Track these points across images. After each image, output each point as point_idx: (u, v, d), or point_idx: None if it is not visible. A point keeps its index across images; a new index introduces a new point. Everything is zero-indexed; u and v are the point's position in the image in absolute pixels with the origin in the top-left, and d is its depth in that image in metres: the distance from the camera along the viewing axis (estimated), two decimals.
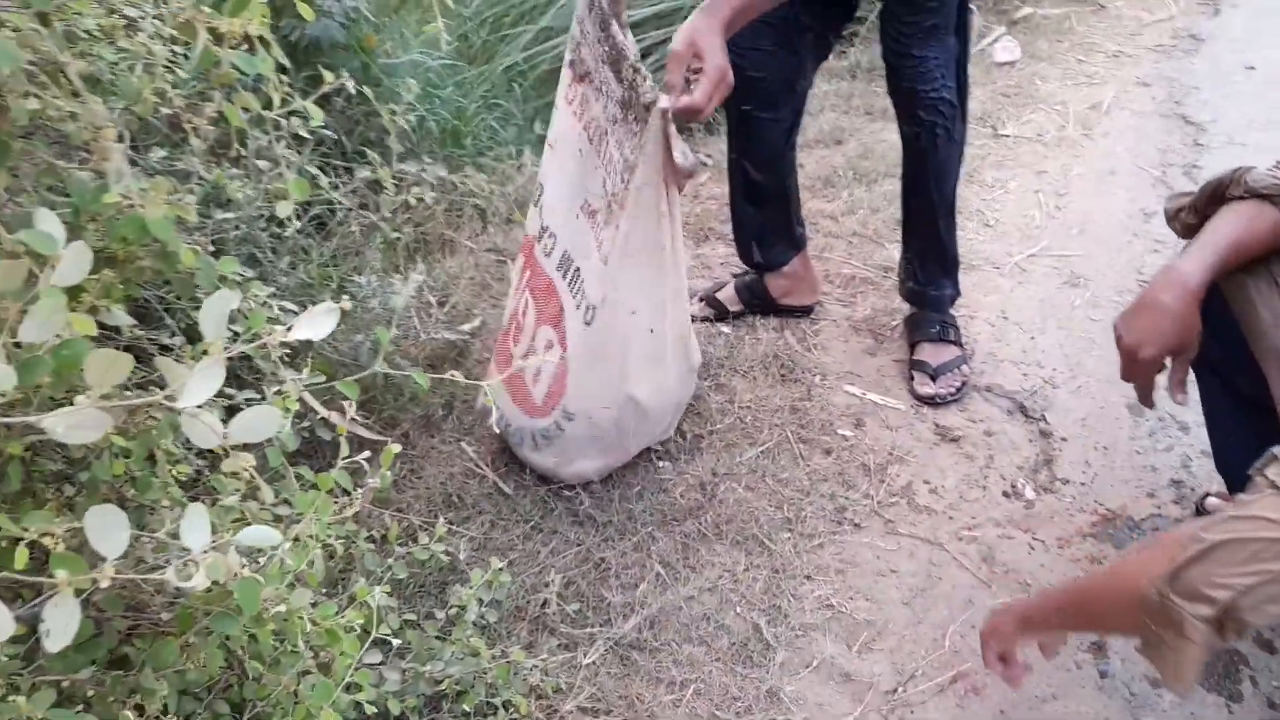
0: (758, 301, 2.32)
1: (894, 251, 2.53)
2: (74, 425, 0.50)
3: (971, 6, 2.02)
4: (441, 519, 1.67)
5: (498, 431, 1.78)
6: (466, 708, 1.37)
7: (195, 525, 0.54)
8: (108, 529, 0.50)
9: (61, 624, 0.49)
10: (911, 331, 2.22)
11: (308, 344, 2.16)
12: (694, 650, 1.61)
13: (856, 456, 1.99)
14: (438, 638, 1.39)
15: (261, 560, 0.79)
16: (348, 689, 1.24)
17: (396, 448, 1.14)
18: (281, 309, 0.96)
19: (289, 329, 0.53)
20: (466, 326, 2.34)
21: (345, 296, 2.30)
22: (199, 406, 0.51)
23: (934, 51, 1.89)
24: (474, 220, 2.82)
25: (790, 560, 1.77)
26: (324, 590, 1.45)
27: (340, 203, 2.22)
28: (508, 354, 1.90)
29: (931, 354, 2.15)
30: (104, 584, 0.50)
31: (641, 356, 1.75)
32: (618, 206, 1.61)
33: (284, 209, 0.98)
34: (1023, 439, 2.03)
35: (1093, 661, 1.59)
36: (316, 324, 0.55)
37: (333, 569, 1.53)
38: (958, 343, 2.18)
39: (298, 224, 2.37)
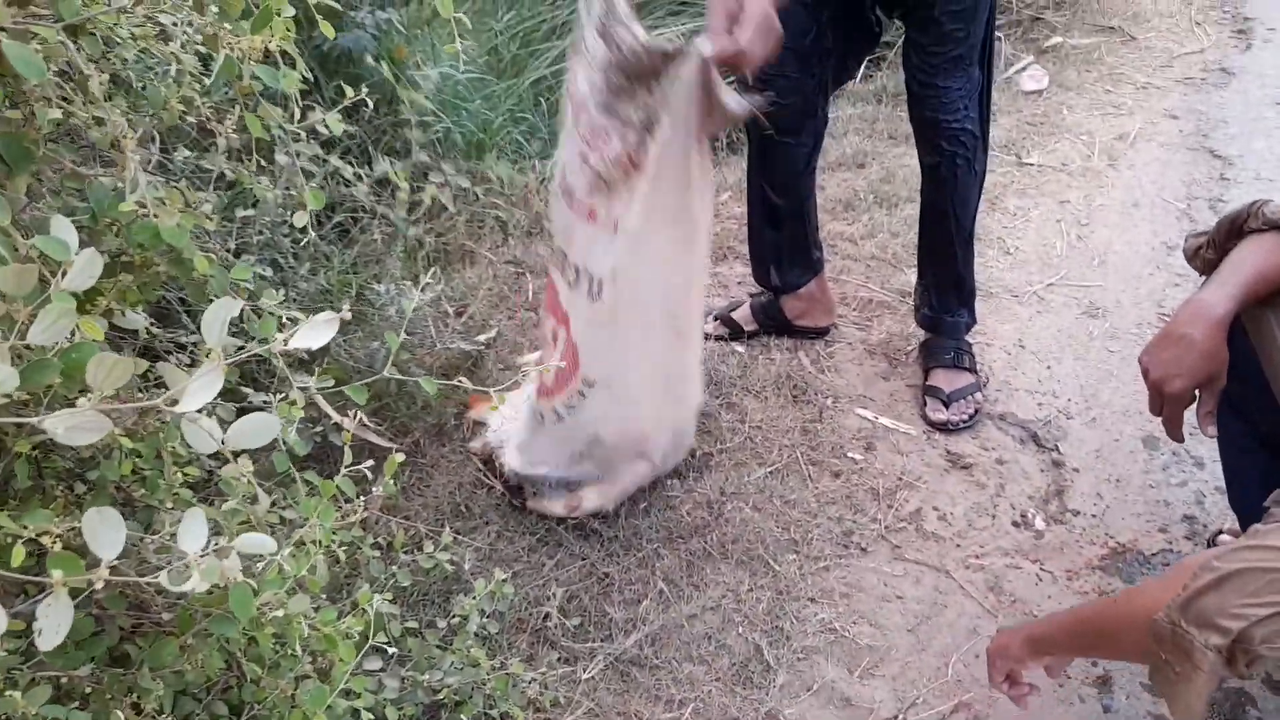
0: (773, 322, 2.33)
1: (912, 276, 2.53)
2: (74, 427, 0.51)
3: (998, 35, 2.02)
4: (448, 528, 1.68)
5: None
6: (464, 718, 1.37)
7: (192, 529, 0.55)
8: (105, 530, 0.51)
9: (54, 623, 0.50)
10: (926, 357, 2.22)
11: (323, 349, 2.21)
12: (694, 669, 1.61)
13: (866, 480, 1.99)
14: (439, 646, 1.40)
15: (262, 565, 0.80)
16: (345, 695, 1.25)
17: (400, 457, 1.16)
18: (290, 319, 0.97)
19: (288, 338, 0.54)
20: (482, 337, 2.36)
21: (363, 303, 2.33)
22: (199, 411, 0.52)
23: (957, 82, 1.89)
24: (495, 232, 2.85)
25: (795, 582, 1.77)
26: (327, 595, 1.47)
27: (361, 206, 2.25)
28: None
29: (945, 380, 2.14)
30: (99, 585, 0.51)
31: (661, 338, 1.69)
32: (623, 173, 1.51)
33: (300, 219, 0.99)
34: (1035, 469, 2.02)
35: (1097, 696, 1.57)
36: (316, 333, 0.56)
37: (338, 574, 1.54)
38: (972, 369, 2.17)
39: (320, 231, 2.42)
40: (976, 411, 2.11)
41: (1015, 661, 1.34)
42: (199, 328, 1.39)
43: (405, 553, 1.67)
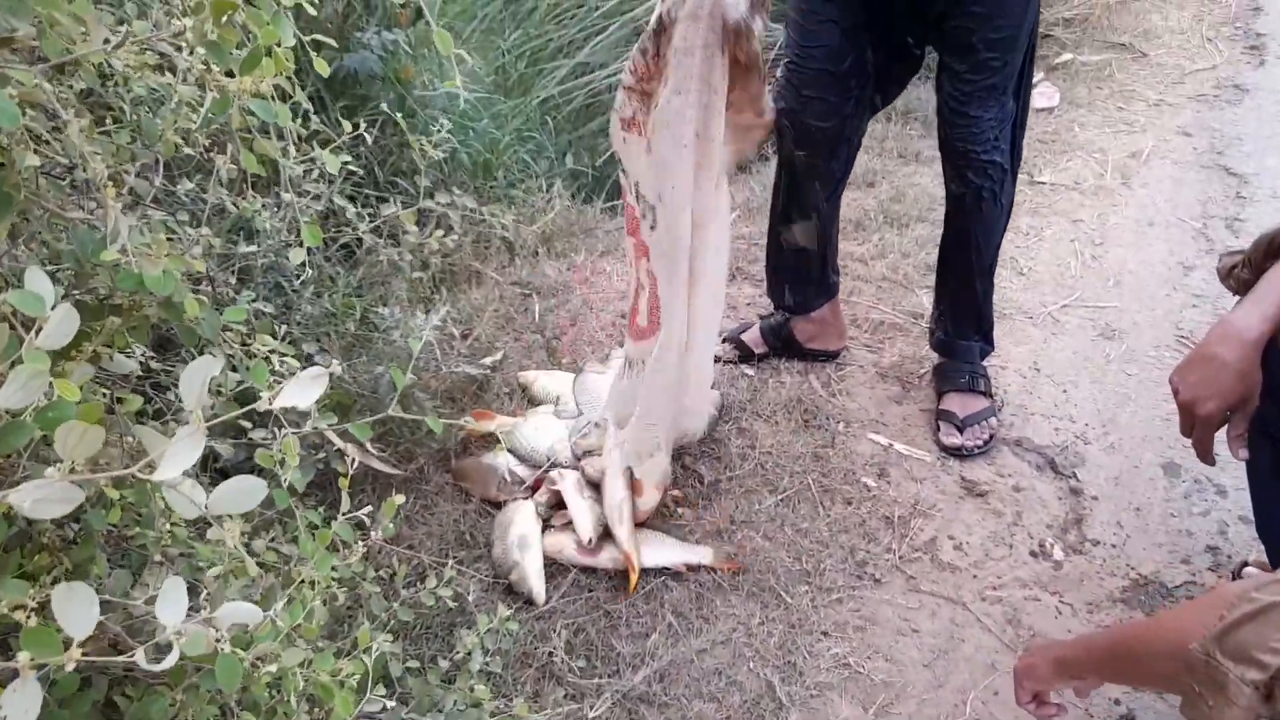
0: (783, 344, 2.29)
1: (924, 298, 2.49)
2: (42, 500, 0.48)
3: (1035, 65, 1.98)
4: (451, 561, 1.64)
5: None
6: None
7: (170, 599, 0.52)
8: (76, 607, 0.48)
9: (21, 710, 0.47)
10: (940, 380, 2.18)
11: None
12: (704, 707, 1.57)
13: (879, 508, 1.94)
14: (441, 686, 1.36)
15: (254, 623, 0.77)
16: None
17: (399, 499, 1.13)
18: (283, 368, 0.94)
19: (274, 396, 0.51)
20: (488, 360, 2.33)
21: (367, 327, 2.30)
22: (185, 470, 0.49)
23: (990, 112, 1.84)
24: (501, 253, 2.82)
25: (807, 615, 1.72)
26: (326, 630, 1.43)
27: (367, 235, 2.22)
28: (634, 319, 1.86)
29: (959, 404, 2.10)
30: (69, 666, 0.48)
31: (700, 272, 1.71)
32: (650, 82, 1.50)
33: (297, 256, 0.96)
34: (1052, 496, 1.97)
35: None
36: (304, 390, 0.53)
37: (338, 609, 1.50)
38: (987, 394, 2.13)
39: (326, 252, 2.39)
40: (991, 437, 2.07)
41: (1043, 682, 1.29)
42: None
43: (408, 585, 1.64)
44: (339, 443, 1.92)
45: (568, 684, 1.58)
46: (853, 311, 2.45)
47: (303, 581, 0.98)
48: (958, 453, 2.05)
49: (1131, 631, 1.27)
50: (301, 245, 0.96)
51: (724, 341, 2.32)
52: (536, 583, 1.74)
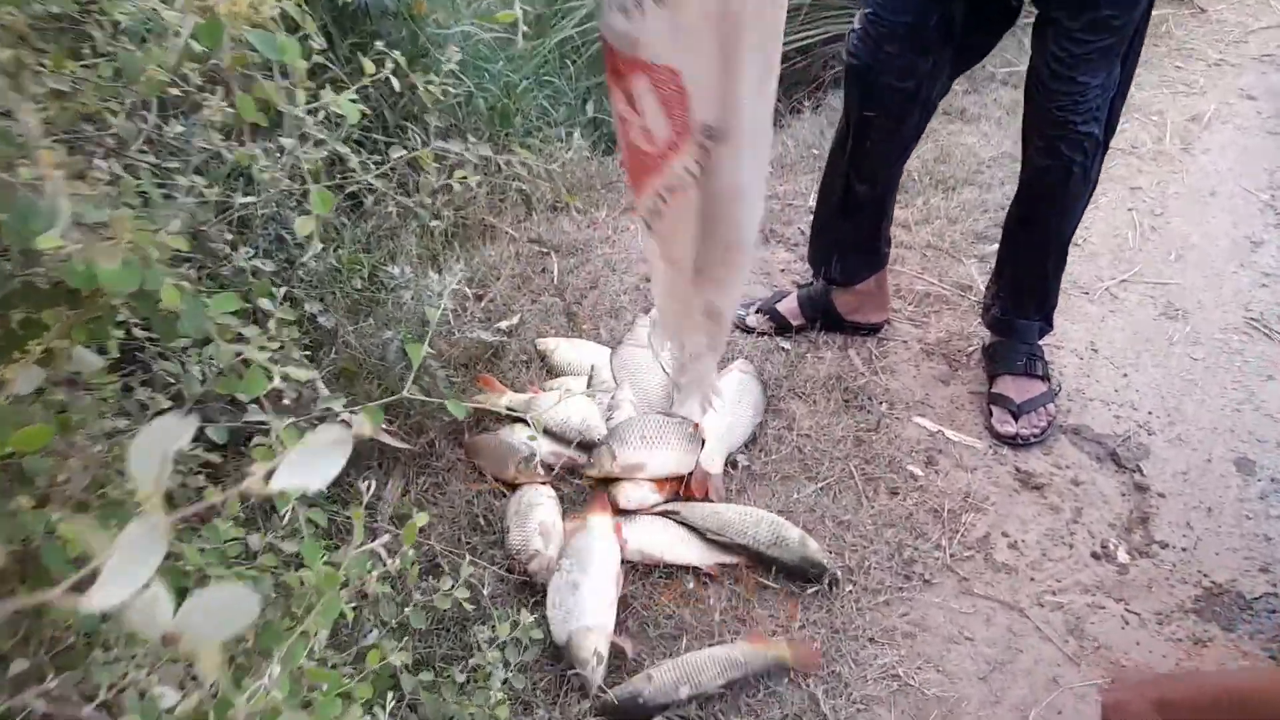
0: (822, 316, 2.13)
1: (972, 268, 2.32)
2: None
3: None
4: (467, 556, 1.50)
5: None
6: None
7: None
8: None
9: None
10: (992, 361, 2.02)
11: (331, 336, 2.02)
12: None
13: (927, 500, 1.80)
14: (457, 702, 1.22)
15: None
16: None
17: (423, 519, 0.97)
18: (283, 375, 0.77)
19: (269, 475, 0.36)
20: (504, 324, 2.17)
21: (375, 286, 2.13)
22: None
23: (1098, 78, 1.62)
24: (518, 206, 2.64)
25: (852, 618, 1.58)
26: (330, 634, 1.29)
27: (378, 182, 2.05)
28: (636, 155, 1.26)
29: (1014, 389, 1.94)
30: None
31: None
32: None
33: (304, 226, 0.80)
34: (1114, 492, 1.83)
35: None
36: (316, 465, 0.37)
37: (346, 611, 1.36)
38: (1045, 377, 1.97)
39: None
40: (1049, 424, 1.92)
41: None
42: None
43: (421, 579, 1.50)
44: (347, 418, 1.77)
45: (591, 695, 1.44)
46: (896, 282, 2.28)
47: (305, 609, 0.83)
48: (1012, 441, 1.89)
49: (1259, 679, 1.13)
50: (309, 213, 0.79)
51: (758, 312, 2.15)
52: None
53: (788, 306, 2.15)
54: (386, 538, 0.90)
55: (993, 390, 1.97)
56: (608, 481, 1.75)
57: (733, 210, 1.25)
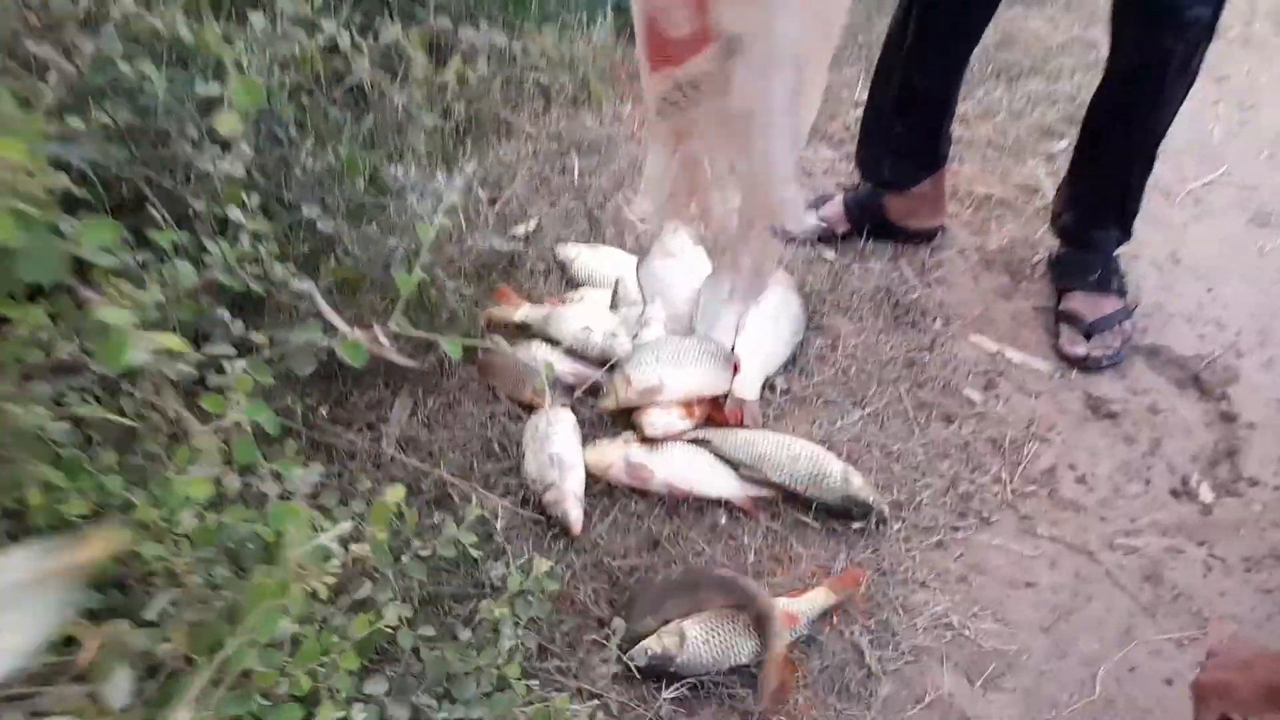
0: (871, 222, 1.92)
1: (1038, 168, 2.09)
2: None
3: None
4: (475, 494, 1.35)
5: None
6: None
7: None
8: None
9: None
10: (1062, 274, 1.81)
11: (329, 243, 1.84)
12: None
13: (985, 428, 1.62)
14: (462, 661, 1.08)
15: None
16: None
17: (399, 493, 0.81)
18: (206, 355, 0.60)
19: None
20: (520, 230, 1.98)
21: (378, 189, 1.94)
22: None
23: None
24: (535, 99, 2.42)
25: (900, 559, 1.43)
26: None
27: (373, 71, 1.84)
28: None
29: (1086, 305, 1.74)
30: None
31: None
32: None
33: (225, 123, 0.62)
34: (1198, 421, 1.64)
35: None
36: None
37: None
38: (1121, 292, 1.76)
39: (330, 94, 2.01)
40: (1124, 344, 1.72)
41: (1241, 709, 0.99)
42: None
43: (429, 512, 1.36)
44: (344, 328, 1.61)
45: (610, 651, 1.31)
46: (952, 183, 2.05)
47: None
48: (1082, 364, 1.70)
49: None
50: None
51: None
52: (574, 509, 1.45)
53: (831, 211, 1.94)
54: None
55: (1061, 307, 1.77)
56: (629, 412, 1.58)
57: (753, 140, 1.03)
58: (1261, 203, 2.04)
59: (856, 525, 1.46)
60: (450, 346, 1.01)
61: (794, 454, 1.48)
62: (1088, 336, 1.72)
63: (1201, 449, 1.59)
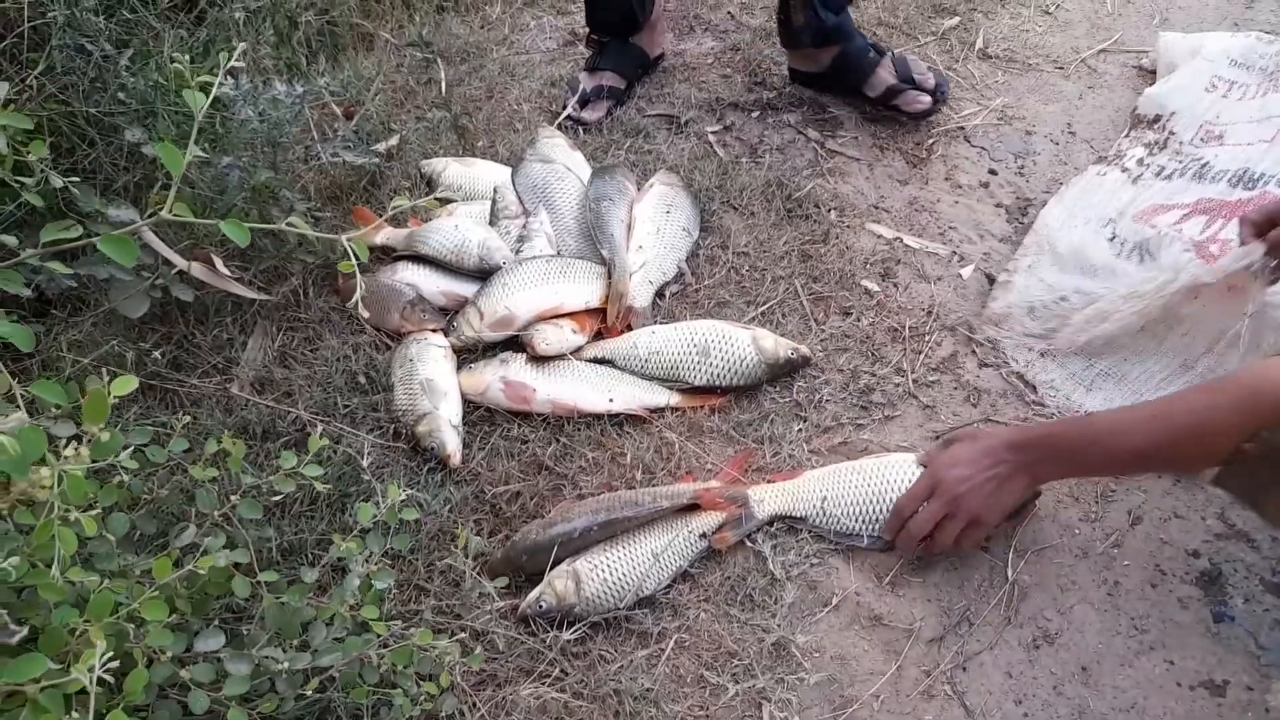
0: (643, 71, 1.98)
1: (929, 50, 1.99)
2: None
3: None
4: (337, 428, 1.21)
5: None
6: (360, 701, 0.96)
7: None
8: None
9: None
10: (850, 74, 1.84)
11: (156, 164, 1.65)
12: (678, 589, 1.22)
13: (884, 318, 1.54)
14: (312, 605, 0.96)
15: None
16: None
17: (130, 384, 0.67)
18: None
19: None
20: (381, 146, 1.81)
21: (216, 105, 1.75)
22: None
23: None
24: (398, 9, 2.22)
25: (803, 462, 1.35)
26: (136, 529, 1.02)
27: None
28: None
29: (885, 73, 1.81)
30: None
31: None
32: None
33: None
34: None
35: (1203, 600, 1.20)
36: None
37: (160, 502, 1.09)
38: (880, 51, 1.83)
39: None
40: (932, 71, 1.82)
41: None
42: None
43: (276, 451, 1.22)
44: (178, 260, 1.44)
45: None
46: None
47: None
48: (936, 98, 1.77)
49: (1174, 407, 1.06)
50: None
51: (583, 104, 1.90)
52: (451, 437, 1.33)
53: (604, 82, 1.91)
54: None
55: (876, 96, 1.84)
56: (492, 347, 1.47)
57: None
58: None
59: (753, 432, 1.37)
60: (229, 228, 0.86)
61: (701, 346, 1.40)
62: (914, 84, 1.78)
63: None
